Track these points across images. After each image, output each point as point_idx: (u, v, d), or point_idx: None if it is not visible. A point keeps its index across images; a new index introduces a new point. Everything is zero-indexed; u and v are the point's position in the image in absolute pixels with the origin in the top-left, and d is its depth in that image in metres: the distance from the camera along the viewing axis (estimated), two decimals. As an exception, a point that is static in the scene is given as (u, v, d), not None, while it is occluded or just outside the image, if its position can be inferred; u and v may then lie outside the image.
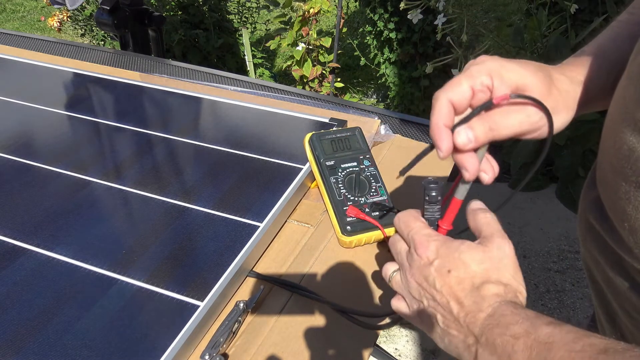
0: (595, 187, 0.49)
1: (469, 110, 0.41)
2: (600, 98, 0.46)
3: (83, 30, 3.20)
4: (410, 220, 0.43)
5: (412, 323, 0.43)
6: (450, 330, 0.38)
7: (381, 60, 2.50)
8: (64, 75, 1.04)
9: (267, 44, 2.62)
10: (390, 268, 0.45)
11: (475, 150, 0.40)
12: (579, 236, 0.54)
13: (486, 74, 0.39)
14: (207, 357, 0.53)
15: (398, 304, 0.44)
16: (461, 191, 0.42)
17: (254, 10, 3.14)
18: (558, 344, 0.31)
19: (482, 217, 0.41)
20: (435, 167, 0.80)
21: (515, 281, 0.38)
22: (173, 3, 2.67)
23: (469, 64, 0.41)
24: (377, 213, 0.67)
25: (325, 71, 2.49)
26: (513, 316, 0.34)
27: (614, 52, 0.45)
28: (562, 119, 0.43)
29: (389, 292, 0.45)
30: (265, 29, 3.39)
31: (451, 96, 0.39)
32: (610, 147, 0.42)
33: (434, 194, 0.42)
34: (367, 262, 0.65)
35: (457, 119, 0.40)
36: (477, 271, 0.37)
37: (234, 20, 2.97)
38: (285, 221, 0.71)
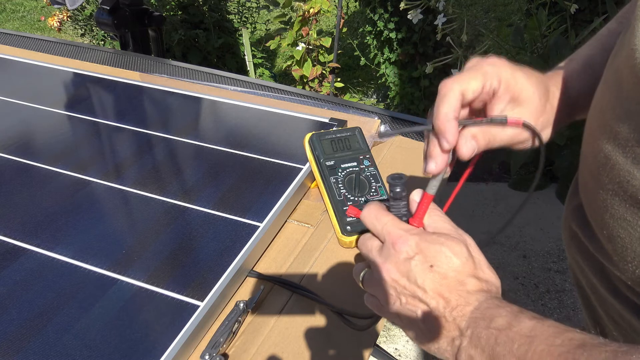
0: (578, 194, 0.49)
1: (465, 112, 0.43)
2: (588, 108, 0.47)
3: (83, 30, 3.19)
4: (381, 213, 0.41)
5: (389, 320, 0.41)
6: (432, 326, 0.37)
7: (381, 60, 2.49)
8: (64, 75, 1.04)
9: (267, 44, 2.62)
10: (360, 269, 0.43)
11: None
12: (564, 243, 0.54)
13: (497, 79, 0.41)
14: (207, 357, 0.53)
15: (372, 302, 0.42)
16: (432, 186, 0.40)
17: (254, 10, 3.14)
18: (539, 338, 0.31)
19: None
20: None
21: (494, 276, 0.38)
22: (173, 3, 2.67)
23: (479, 61, 0.42)
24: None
25: (325, 71, 2.49)
26: (497, 309, 0.34)
27: (603, 64, 0.46)
28: (546, 135, 0.46)
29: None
30: (265, 29, 3.38)
31: (464, 88, 0.40)
32: (589, 155, 0.43)
33: (398, 189, 0.40)
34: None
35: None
36: (460, 265, 0.37)
37: (234, 20, 2.96)
38: (285, 221, 0.71)
